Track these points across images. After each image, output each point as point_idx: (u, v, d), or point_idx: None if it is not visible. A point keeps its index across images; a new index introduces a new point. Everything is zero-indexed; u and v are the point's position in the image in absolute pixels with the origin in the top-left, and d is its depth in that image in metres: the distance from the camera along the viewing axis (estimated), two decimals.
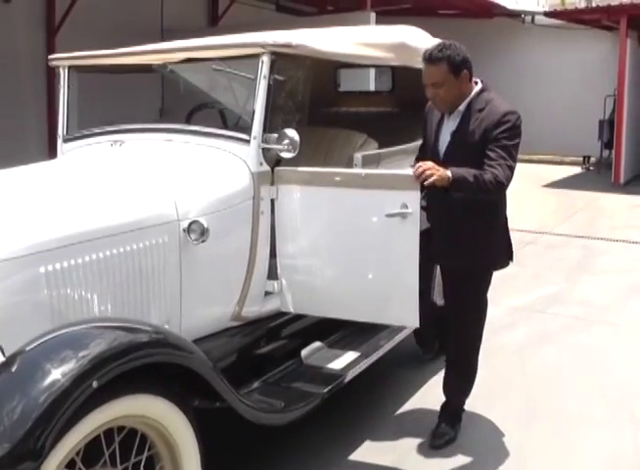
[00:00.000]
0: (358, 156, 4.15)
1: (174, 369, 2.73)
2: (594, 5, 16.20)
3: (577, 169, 17.72)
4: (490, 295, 6.37)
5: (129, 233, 3.15)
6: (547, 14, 17.39)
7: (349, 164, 4.24)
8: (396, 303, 3.55)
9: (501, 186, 3.50)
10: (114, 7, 12.09)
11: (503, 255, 3.97)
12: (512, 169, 3.55)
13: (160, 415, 2.68)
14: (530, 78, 19.38)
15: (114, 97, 10.26)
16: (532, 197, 13.02)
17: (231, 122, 4.21)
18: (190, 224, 3.30)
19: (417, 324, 3.54)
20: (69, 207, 3.12)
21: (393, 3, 15.26)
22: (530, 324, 6.11)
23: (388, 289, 3.54)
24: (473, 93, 3.73)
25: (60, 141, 4.33)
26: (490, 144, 3.57)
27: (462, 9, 18.00)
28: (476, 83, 3.78)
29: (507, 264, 4.03)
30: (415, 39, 4.61)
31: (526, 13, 19.49)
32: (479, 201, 3.67)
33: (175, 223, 3.31)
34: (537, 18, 19.23)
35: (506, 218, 3.99)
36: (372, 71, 9.82)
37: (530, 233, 9.86)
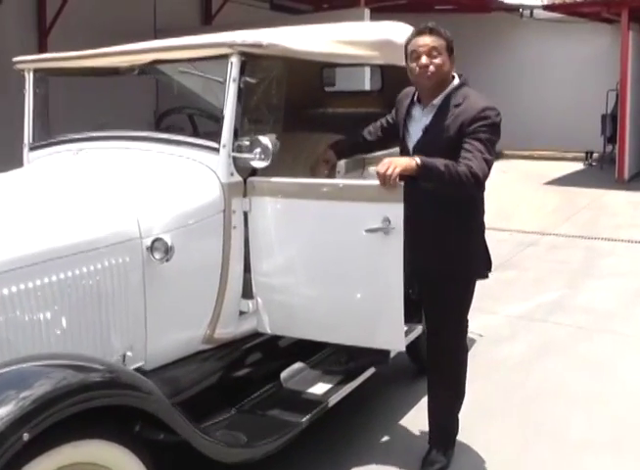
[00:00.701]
0: (341, 163, 3.86)
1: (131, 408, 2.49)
2: None
3: (580, 165, 17.38)
4: (489, 302, 6.17)
5: (86, 253, 2.90)
6: (546, 7, 17.10)
7: (333, 171, 3.94)
8: (380, 325, 3.26)
9: (476, 179, 3.20)
10: (106, 7, 11.86)
11: (482, 262, 3.66)
12: (488, 163, 3.26)
13: (112, 462, 2.42)
14: (530, 73, 19.09)
15: (109, 100, 10.03)
16: (533, 195, 12.71)
17: (203, 129, 3.93)
18: (153, 242, 3.03)
19: (403, 348, 3.27)
20: (20, 225, 2.86)
21: None
22: (531, 334, 5.80)
23: (371, 310, 3.25)
24: (450, 87, 3.48)
25: (25, 149, 4.09)
26: (466, 137, 3.30)
27: (459, 4, 17.72)
28: (453, 78, 3.52)
29: (486, 276, 3.71)
30: (402, 36, 4.30)
31: (525, 7, 19.17)
32: (455, 202, 3.41)
33: (137, 241, 3.04)
34: (536, 12, 18.92)
35: (483, 224, 3.68)
36: (367, 71, 9.55)
37: (531, 234, 9.57)
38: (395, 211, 3.05)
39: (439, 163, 3.16)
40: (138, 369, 3.10)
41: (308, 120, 5.10)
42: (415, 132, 3.53)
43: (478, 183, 3.22)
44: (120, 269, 3.00)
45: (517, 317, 6.22)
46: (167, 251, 3.01)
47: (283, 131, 3.82)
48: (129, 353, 3.05)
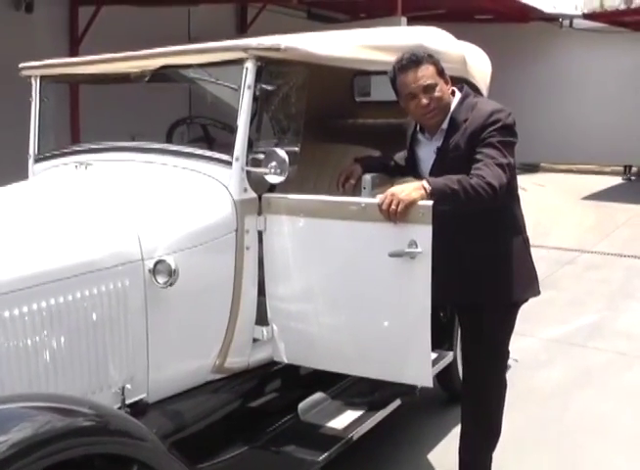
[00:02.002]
0: (367, 177, 3.54)
1: None
2: (635, 6, 15.44)
3: (618, 180, 16.94)
4: (525, 325, 5.81)
5: (81, 276, 2.64)
6: (586, 16, 16.70)
7: (358, 186, 3.65)
8: (405, 359, 2.96)
9: (492, 188, 2.86)
10: (139, 15, 11.71)
11: (527, 285, 3.32)
12: (504, 167, 2.94)
13: None
14: (569, 84, 18.70)
15: (141, 108, 9.87)
16: (571, 210, 12.32)
17: (219, 140, 3.67)
18: (155, 264, 2.76)
19: (430, 384, 2.95)
20: (11, 246, 2.60)
21: (427, 8, 14.86)
22: (569, 361, 5.46)
23: (395, 342, 2.95)
24: (454, 105, 3.19)
25: (30, 161, 3.86)
26: (477, 147, 3.01)
27: (498, 13, 17.41)
28: (453, 93, 3.23)
29: (534, 294, 3.37)
30: (435, 41, 4.02)
31: (564, 17, 18.79)
32: (486, 219, 3.11)
33: (138, 263, 2.78)
34: (576, 21, 18.56)
35: (527, 241, 3.34)
36: None
37: (569, 251, 9.21)
38: (423, 234, 2.74)
39: (451, 181, 2.85)
40: (139, 402, 2.85)
41: (337, 132, 4.83)
42: (427, 157, 3.25)
43: (495, 193, 2.88)
44: (120, 294, 2.74)
45: (554, 341, 5.88)
46: (171, 274, 2.74)
47: (308, 143, 3.56)
48: (129, 386, 2.78)
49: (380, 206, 2.79)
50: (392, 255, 2.78)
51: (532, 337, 5.86)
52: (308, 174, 3.94)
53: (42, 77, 3.83)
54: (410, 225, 2.76)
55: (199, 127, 4.11)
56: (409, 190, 2.78)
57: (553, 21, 18.81)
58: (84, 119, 11.22)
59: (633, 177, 17.01)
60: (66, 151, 3.67)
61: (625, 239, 10.21)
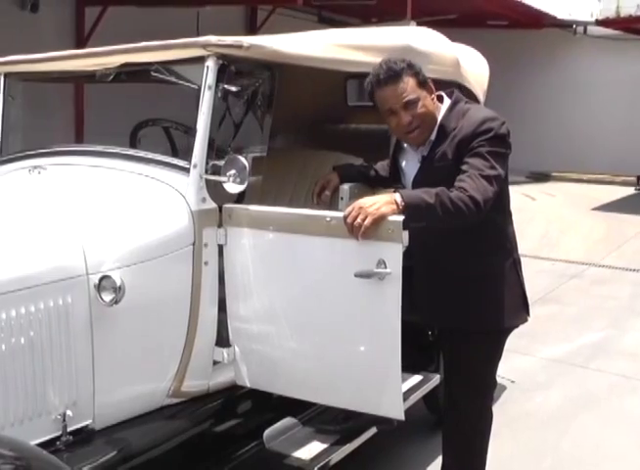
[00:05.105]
0: (345, 187, 3.29)
1: None
2: None
3: (630, 190, 16.59)
4: (525, 342, 5.54)
5: (18, 293, 2.41)
6: (599, 22, 16.43)
7: (335, 196, 3.39)
8: (373, 388, 2.70)
9: (475, 202, 2.57)
10: (146, 16, 11.58)
11: (513, 310, 3.01)
12: (490, 179, 2.65)
13: None
14: (581, 92, 18.45)
15: (146, 108, 9.70)
16: (580, 221, 11.98)
17: (182, 145, 3.43)
18: (100, 280, 2.52)
19: (401, 417, 2.67)
20: None
21: (438, 13, 14.66)
22: (570, 383, 5.16)
23: (362, 370, 2.69)
24: (442, 113, 2.90)
25: None
26: (465, 157, 2.73)
27: (510, 19, 17.18)
28: (440, 99, 2.94)
29: (522, 321, 3.08)
30: (425, 42, 3.76)
31: (578, 23, 18.55)
32: (472, 238, 2.83)
33: (83, 278, 2.54)
34: (590, 28, 18.31)
35: (518, 261, 3.06)
36: None
37: (575, 264, 8.91)
38: (392, 253, 2.47)
39: (428, 194, 2.56)
40: (84, 428, 2.62)
41: (325, 137, 4.58)
42: (411, 167, 2.98)
43: (478, 208, 2.59)
44: (61, 312, 2.50)
45: (554, 361, 5.58)
46: (116, 291, 2.50)
47: (285, 149, 3.30)
48: (69, 412, 2.54)
49: (345, 218, 2.52)
50: (359, 275, 2.52)
51: (531, 356, 5.58)
52: (286, 184, 3.70)
53: (7, 74, 3.62)
54: (379, 243, 2.49)
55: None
56: (379, 203, 2.50)
57: (567, 27, 18.57)
58: (89, 120, 11.08)
59: None
60: (24, 154, 3.43)
61: (635, 252, 9.90)
